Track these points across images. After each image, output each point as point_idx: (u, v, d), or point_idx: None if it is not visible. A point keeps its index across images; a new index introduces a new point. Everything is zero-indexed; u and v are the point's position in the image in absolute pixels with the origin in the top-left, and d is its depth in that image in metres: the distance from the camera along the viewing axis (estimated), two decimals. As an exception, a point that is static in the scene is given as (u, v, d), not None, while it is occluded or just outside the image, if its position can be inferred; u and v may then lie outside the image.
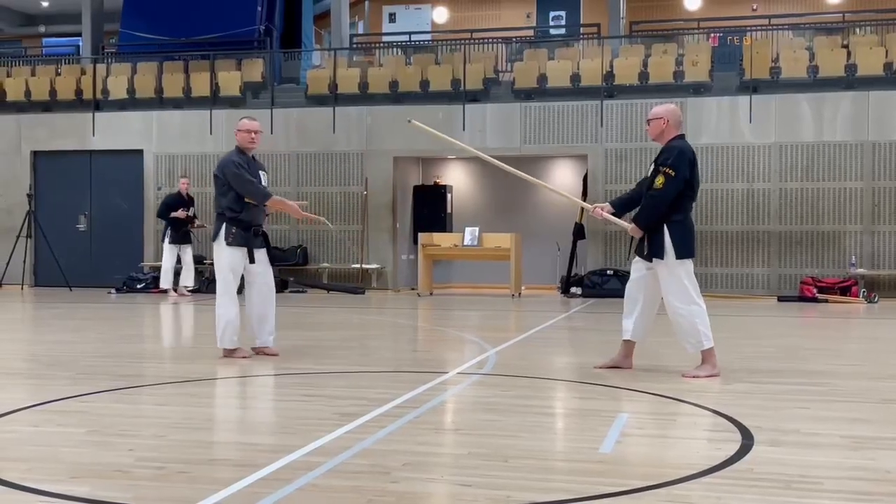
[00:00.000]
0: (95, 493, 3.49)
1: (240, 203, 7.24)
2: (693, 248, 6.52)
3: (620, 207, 6.85)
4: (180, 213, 14.84)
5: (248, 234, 7.25)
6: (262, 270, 7.36)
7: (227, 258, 7.27)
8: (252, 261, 7.28)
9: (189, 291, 14.81)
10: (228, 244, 7.24)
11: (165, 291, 14.87)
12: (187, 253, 14.90)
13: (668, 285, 6.42)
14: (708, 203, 15.29)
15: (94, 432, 4.59)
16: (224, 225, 7.24)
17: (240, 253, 7.26)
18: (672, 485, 3.63)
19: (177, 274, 15.01)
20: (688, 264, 6.45)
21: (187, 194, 15.24)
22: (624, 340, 6.73)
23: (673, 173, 6.36)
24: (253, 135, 7.38)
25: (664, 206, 6.38)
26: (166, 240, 14.89)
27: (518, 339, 9.07)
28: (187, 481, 3.67)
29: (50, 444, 4.35)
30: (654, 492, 3.54)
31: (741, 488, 3.61)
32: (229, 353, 7.28)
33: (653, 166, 6.55)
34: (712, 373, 6.41)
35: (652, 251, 6.43)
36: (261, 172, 7.42)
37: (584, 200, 12.93)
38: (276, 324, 7.53)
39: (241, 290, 7.45)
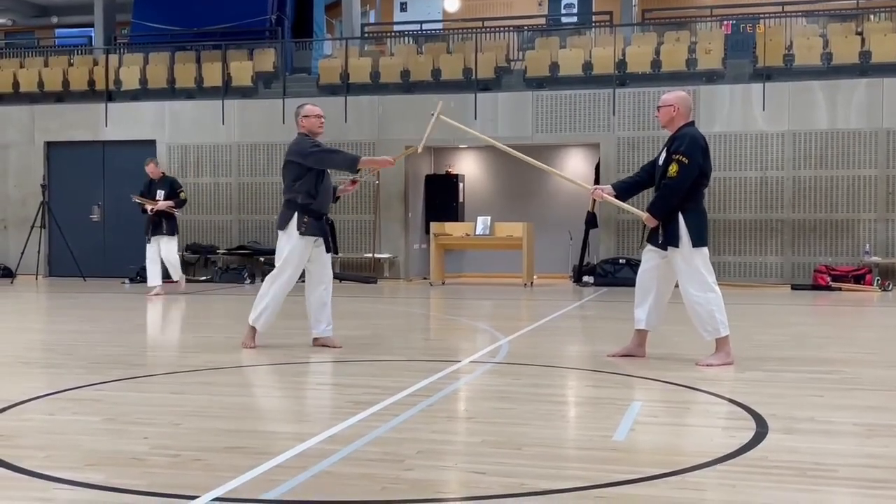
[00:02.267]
0: (111, 480, 3.52)
1: (316, 189, 7.12)
2: (706, 236, 6.50)
3: (623, 191, 6.81)
4: (149, 203, 13.28)
5: (320, 222, 7.18)
6: (327, 261, 7.29)
7: (297, 248, 7.14)
8: (328, 249, 7.24)
9: (160, 290, 12.99)
10: (301, 234, 7.11)
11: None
12: (163, 245, 13.27)
13: (684, 273, 6.40)
14: (721, 191, 15.23)
15: (109, 420, 4.62)
16: (296, 214, 7.11)
17: (309, 243, 7.16)
18: (686, 472, 3.63)
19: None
20: (704, 252, 6.43)
21: (160, 178, 13.61)
22: (637, 330, 6.71)
23: (686, 161, 6.33)
24: (322, 120, 7.30)
25: (680, 193, 6.35)
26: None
27: (530, 327, 9.07)
28: (202, 469, 3.69)
29: (65, 433, 4.38)
30: (668, 479, 3.53)
31: (755, 476, 3.60)
32: (253, 334, 7.25)
33: (664, 153, 6.53)
34: (726, 361, 6.40)
35: (667, 239, 6.40)
36: None
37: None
38: (330, 315, 7.38)
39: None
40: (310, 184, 7.11)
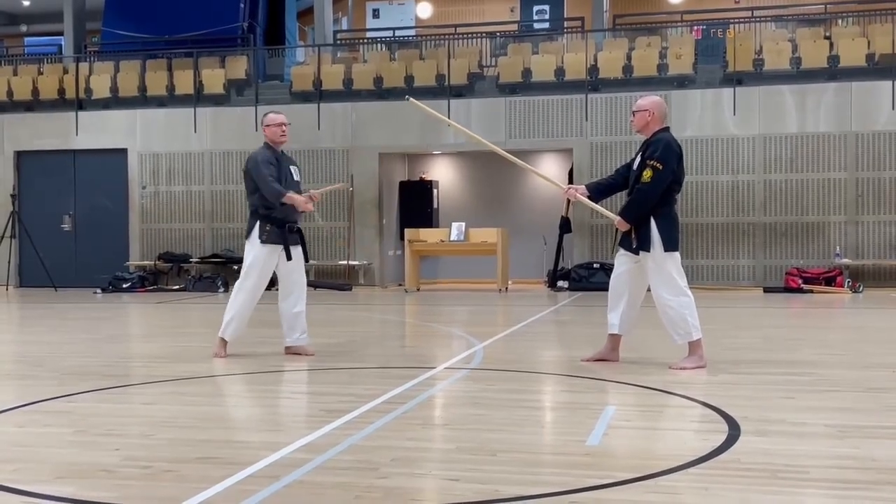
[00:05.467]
0: (81, 493, 3.48)
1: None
2: (678, 241, 6.52)
3: (597, 193, 6.82)
4: None
5: (282, 230, 7.13)
6: (297, 268, 7.23)
7: (259, 256, 7.13)
8: (289, 258, 7.17)
9: None
10: (262, 242, 7.10)
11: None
12: None
13: (656, 277, 6.42)
14: (693, 195, 15.34)
15: (80, 432, 4.58)
16: (258, 222, 7.12)
17: (274, 251, 7.13)
18: (659, 476, 3.64)
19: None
20: (676, 256, 6.46)
21: None
22: (610, 335, 6.73)
23: (661, 166, 6.35)
24: (283, 128, 7.26)
25: (653, 199, 6.37)
26: None
27: (505, 333, 9.08)
28: (174, 480, 3.66)
29: (36, 445, 4.33)
30: (641, 483, 3.54)
31: (728, 478, 3.62)
32: (223, 345, 7.22)
33: (638, 157, 6.55)
34: (699, 364, 6.43)
35: (640, 244, 6.42)
36: (292, 167, 7.30)
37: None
38: (305, 323, 7.30)
39: (270, 286, 7.42)
40: (263, 195, 7.11)
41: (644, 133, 6.61)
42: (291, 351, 7.32)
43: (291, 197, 7.06)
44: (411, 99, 7.74)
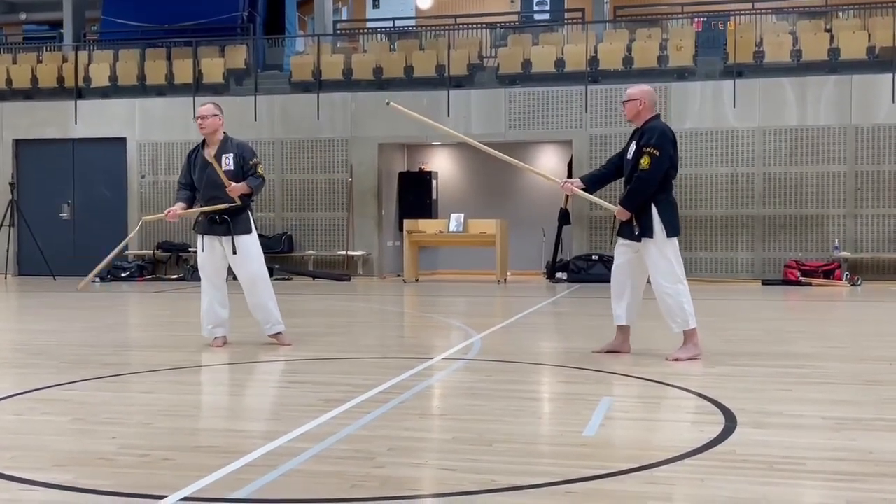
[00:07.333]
0: (78, 481, 3.49)
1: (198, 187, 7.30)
2: (679, 227, 6.54)
3: (592, 184, 6.83)
4: None
5: (204, 221, 7.23)
6: (236, 261, 7.22)
7: (198, 246, 7.34)
8: (202, 249, 7.24)
9: None
10: (195, 231, 7.33)
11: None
12: None
13: (656, 264, 6.43)
14: (692, 187, 15.33)
15: (78, 420, 4.58)
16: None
17: (206, 241, 7.22)
18: (655, 467, 3.65)
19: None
20: (675, 243, 6.48)
21: None
22: (618, 326, 6.74)
23: (658, 152, 6.37)
24: (199, 121, 7.43)
25: (653, 185, 6.40)
26: None
27: (503, 324, 9.08)
28: (171, 468, 3.67)
29: (33, 433, 4.34)
30: (637, 474, 3.55)
31: (724, 470, 3.63)
32: (214, 342, 7.26)
33: (633, 146, 6.57)
34: (695, 353, 6.44)
35: (642, 231, 6.43)
36: (224, 156, 7.32)
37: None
38: (273, 314, 7.28)
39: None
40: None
41: (636, 122, 6.65)
42: (272, 337, 7.34)
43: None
44: (392, 103, 7.71)
